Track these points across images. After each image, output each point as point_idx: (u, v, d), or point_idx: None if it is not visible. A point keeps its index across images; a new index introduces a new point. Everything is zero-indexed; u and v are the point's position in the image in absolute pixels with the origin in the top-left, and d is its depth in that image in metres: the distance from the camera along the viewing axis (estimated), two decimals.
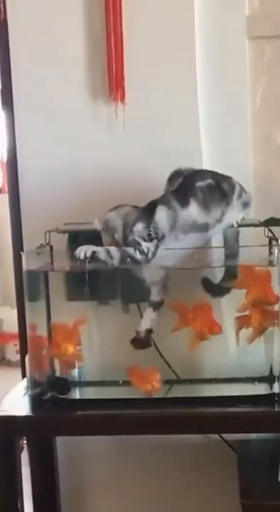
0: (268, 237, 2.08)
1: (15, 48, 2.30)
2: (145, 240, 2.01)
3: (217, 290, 2.10)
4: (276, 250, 2.02)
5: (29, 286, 2.09)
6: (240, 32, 2.26)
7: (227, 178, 2.10)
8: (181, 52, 2.25)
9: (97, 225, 2.02)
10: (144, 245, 2.00)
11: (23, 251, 2.20)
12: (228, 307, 2.06)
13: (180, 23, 2.25)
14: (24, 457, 2.35)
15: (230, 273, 2.10)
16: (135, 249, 1.99)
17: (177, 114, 2.24)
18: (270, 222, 2.11)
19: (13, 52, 2.31)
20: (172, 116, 2.24)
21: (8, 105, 2.34)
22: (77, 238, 2.10)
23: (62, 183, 2.28)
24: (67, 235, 2.13)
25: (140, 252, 2.00)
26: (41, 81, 2.30)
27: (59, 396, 2.05)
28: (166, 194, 2.06)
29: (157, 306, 2.07)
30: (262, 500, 2.02)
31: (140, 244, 2.00)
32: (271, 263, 2.03)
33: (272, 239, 2.05)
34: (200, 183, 2.05)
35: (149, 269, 2.04)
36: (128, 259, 1.99)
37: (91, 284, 2.14)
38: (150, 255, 2.01)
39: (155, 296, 2.07)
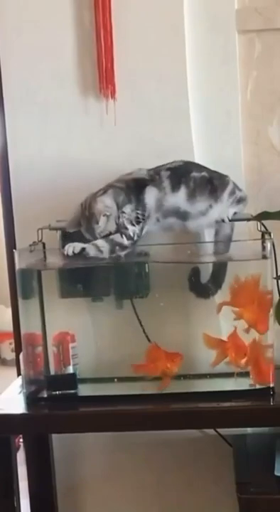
0: (260, 231, 2.08)
1: (4, 43, 2.29)
2: (132, 224, 2.01)
3: (202, 290, 2.11)
4: (268, 244, 2.02)
5: (22, 284, 2.09)
6: (230, 26, 2.26)
7: (221, 176, 2.11)
8: (171, 47, 2.24)
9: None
10: (131, 229, 2.01)
11: (15, 249, 2.19)
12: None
13: (170, 18, 2.24)
14: (20, 456, 2.35)
15: (217, 274, 2.11)
16: (121, 235, 2.00)
17: (168, 109, 2.24)
18: (262, 216, 2.11)
19: (3, 48, 2.30)
20: (163, 112, 2.23)
21: None
22: (69, 235, 2.10)
23: (53, 179, 2.28)
24: (59, 232, 2.12)
25: (127, 237, 2.01)
26: (31, 78, 2.29)
27: (68, 392, 2.06)
28: (158, 173, 2.07)
29: None
30: (258, 495, 2.02)
31: (127, 229, 2.00)
32: (264, 257, 2.03)
33: (265, 233, 2.06)
34: (195, 174, 2.06)
35: None
36: (117, 248, 2.00)
37: (84, 280, 2.14)
38: (135, 238, 2.02)
39: None
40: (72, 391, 2.07)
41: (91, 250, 2.00)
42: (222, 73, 2.28)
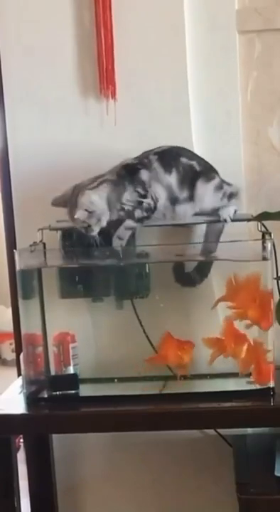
0: (261, 231, 2.08)
1: (5, 44, 2.30)
2: (138, 206, 2.03)
3: (188, 280, 2.10)
4: (269, 244, 2.02)
5: (22, 284, 2.09)
6: (230, 26, 2.26)
7: (209, 169, 2.11)
8: (171, 48, 2.24)
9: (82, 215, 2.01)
10: (145, 202, 2.03)
11: (16, 249, 2.19)
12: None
13: (170, 18, 2.24)
14: (21, 455, 2.35)
15: (202, 265, 2.11)
16: (134, 211, 2.03)
17: (168, 109, 2.24)
18: (263, 217, 2.11)
19: (4, 48, 2.30)
20: (163, 112, 2.24)
21: (0, 103, 2.33)
22: (70, 235, 2.10)
23: (54, 180, 2.27)
24: (60, 232, 2.12)
25: (143, 210, 2.03)
26: (31, 78, 2.29)
27: (69, 392, 2.07)
28: (146, 157, 2.07)
29: None
30: (258, 495, 2.02)
31: (134, 213, 2.02)
32: (264, 257, 2.03)
33: (265, 233, 2.05)
34: (184, 159, 2.08)
35: None
36: (135, 225, 2.04)
37: (84, 281, 2.14)
38: (153, 206, 2.04)
39: None
40: (74, 391, 2.07)
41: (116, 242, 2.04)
42: (222, 73, 2.28)
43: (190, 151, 2.13)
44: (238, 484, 2.06)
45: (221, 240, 2.12)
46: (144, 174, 2.05)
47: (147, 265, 2.13)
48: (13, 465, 2.06)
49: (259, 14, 2.25)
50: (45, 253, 2.14)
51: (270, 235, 2.04)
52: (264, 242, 2.03)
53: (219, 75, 2.27)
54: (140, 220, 2.04)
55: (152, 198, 2.04)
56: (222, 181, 2.12)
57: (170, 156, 2.07)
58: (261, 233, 2.07)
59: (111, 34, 2.23)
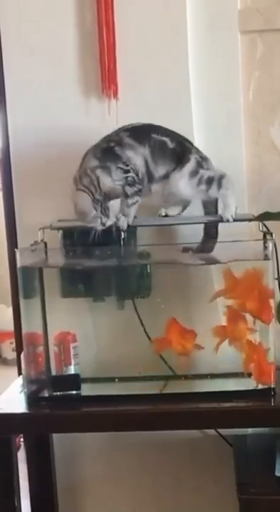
0: (262, 231, 2.07)
1: (7, 44, 2.30)
2: (125, 172, 2.02)
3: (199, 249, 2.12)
4: (270, 244, 2.02)
5: (24, 284, 2.09)
6: (232, 26, 2.26)
7: (185, 149, 2.09)
8: (173, 48, 2.24)
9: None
10: (129, 176, 2.03)
11: (17, 248, 2.19)
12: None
13: (173, 18, 2.24)
14: (21, 455, 2.35)
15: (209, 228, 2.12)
16: (124, 189, 2.02)
17: (170, 109, 2.24)
18: (264, 217, 2.11)
19: (6, 48, 2.30)
20: (165, 112, 2.23)
21: (1, 102, 2.33)
22: (71, 235, 2.10)
23: (55, 179, 2.28)
24: (61, 231, 2.12)
25: (130, 185, 2.03)
26: (33, 78, 2.29)
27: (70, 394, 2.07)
28: (117, 135, 2.07)
29: None
30: (259, 495, 2.02)
31: (126, 179, 2.02)
32: (265, 257, 2.03)
33: (266, 233, 2.05)
34: (155, 136, 2.07)
35: None
36: (134, 200, 2.03)
37: (85, 280, 2.14)
38: (136, 178, 2.03)
39: None
40: (76, 392, 2.07)
41: (124, 222, 2.04)
42: (224, 73, 2.28)
43: (163, 127, 2.10)
44: (238, 484, 2.06)
45: (222, 240, 2.12)
46: (119, 150, 2.04)
47: (148, 265, 2.13)
48: (14, 464, 2.06)
49: (261, 14, 2.25)
50: (46, 252, 2.14)
51: (271, 235, 2.03)
52: (265, 242, 2.03)
53: (220, 75, 2.27)
54: (133, 196, 2.03)
55: (133, 171, 2.03)
56: (198, 164, 2.09)
57: (141, 132, 2.06)
58: (262, 233, 2.07)
59: (113, 34, 2.23)
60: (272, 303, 2.02)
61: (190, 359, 2.08)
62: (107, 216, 1.98)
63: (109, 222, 1.99)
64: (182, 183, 2.07)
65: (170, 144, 2.08)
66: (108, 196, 1.97)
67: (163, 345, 2.08)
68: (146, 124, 2.09)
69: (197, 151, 2.11)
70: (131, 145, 2.05)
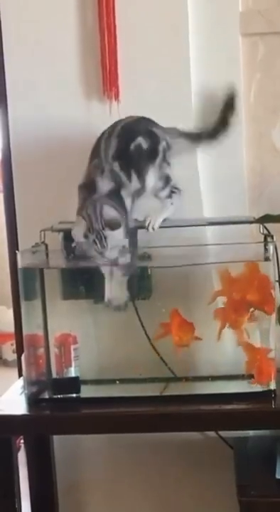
0: (263, 233, 2.08)
1: (8, 46, 2.30)
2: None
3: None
4: (271, 247, 2.02)
5: (24, 285, 2.09)
6: (234, 29, 2.26)
7: (156, 140, 2.09)
8: (175, 50, 2.24)
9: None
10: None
11: (18, 250, 2.20)
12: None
13: (174, 21, 2.24)
14: (21, 457, 2.35)
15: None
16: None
17: (171, 111, 2.23)
18: (265, 219, 2.11)
19: (7, 50, 2.30)
20: (166, 114, 2.23)
21: (3, 104, 2.33)
22: (72, 237, 2.10)
23: (57, 182, 2.28)
24: (62, 233, 2.13)
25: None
26: (35, 80, 2.29)
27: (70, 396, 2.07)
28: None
29: None
30: (259, 497, 2.02)
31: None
32: (266, 260, 2.03)
33: (267, 235, 2.05)
34: (133, 145, 2.06)
35: None
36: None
37: (86, 282, 2.14)
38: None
39: None
40: (75, 395, 2.07)
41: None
42: (226, 75, 2.27)
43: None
44: (238, 486, 2.06)
45: (223, 242, 2.12)
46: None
47: (149, 267, 2.13)
48: (14, 466, 2.06)
49: (262, 17, 2.25)
50: (47, 254, 2.14)
51: (272, 238, 2.04)
52: (265, 245, 2.04)
53: (222, 77, 2.27)
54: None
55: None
56: (164, 158, 2.09)
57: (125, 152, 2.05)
58: (263, 236, 2.07)
59: (114, 35, 2.23)
60: (274, 294, 2.02)
61: (189, 359, 2.08)
62: (104, 246, 1.95)
63: (107, 253, 1.96)
64: (151, 175, 2.08)
65: (144, 145, 2.07)
66: (108, 225, 1.95)
67: (163, 333, 2.08)
68: (124, 131, 2.07)
69: (163, 137, 2.11)
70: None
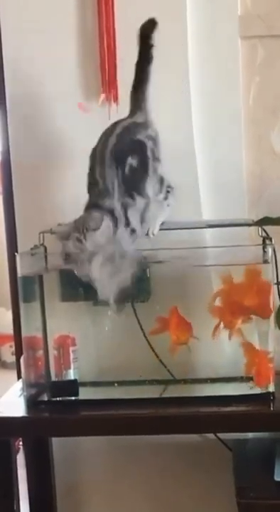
0: (262, 236, 2.08)
1: (8, 49, 2.30)
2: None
3: None
4: (269, 249, 2.02)
5: (23, 287, 2.09)
6: (233, 32, 2.27)
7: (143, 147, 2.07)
8: (174, 53, 2.24)
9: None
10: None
11: (17, 252, 2.20)
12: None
13: (173, 24, 2.24)
14: (20, 458, 2.35)
15: None
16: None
17: (170, 114, 2.24)
18: (264, 222, 2.12)
19: (6, 53, 2.31)
20: (165, 117, 2.23)
21: (1, 107, 2.34)
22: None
23: (56, 184, 2.28)
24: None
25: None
26: (34, 82, 2.29)
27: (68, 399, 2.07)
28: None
29: None
30: (258, 499, 2.03)
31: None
32: (265, 262, 2.04)
33: (266, 238, 2.06)
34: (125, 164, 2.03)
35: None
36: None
37: (85, 284, 2.14)
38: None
39: None
40: (74, 398, 2.07)
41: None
42: (225, 78, 2.28)
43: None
44: (237, 488, 2.06)
45: (222, 245, 2.12)
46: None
47: (148, 269, 2.13)
48: (13, 468, 2.06)
49: (261, 20, 2.26)
50: (46, 256, 2.14)
51: (271, 240, 2.04)
52: (264, 247, 2.04)
53: (221, 80, 2.27)
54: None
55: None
56: (153, 159, 2.08)
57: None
58: (262, 238, 2.07)
59: (114, 39, 2.24)
60: (271, 299, 2.02)
61: (188, 361, 2.08)
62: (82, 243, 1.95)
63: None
64: (151, 186, 2.08)
65: (135, 162, 2.04)
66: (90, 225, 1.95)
67: (159, 329, 2.08)
68: (114, 157, 2.03)
69: (147, 136, 2.09)
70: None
